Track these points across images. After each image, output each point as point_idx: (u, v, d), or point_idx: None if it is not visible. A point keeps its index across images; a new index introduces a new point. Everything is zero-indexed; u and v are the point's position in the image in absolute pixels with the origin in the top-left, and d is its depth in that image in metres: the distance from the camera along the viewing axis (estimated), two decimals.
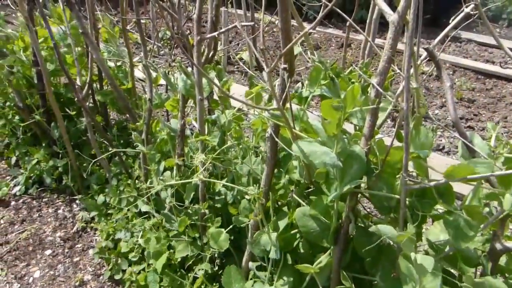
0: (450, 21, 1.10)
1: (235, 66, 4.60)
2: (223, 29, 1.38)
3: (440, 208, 1.12)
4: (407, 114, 0.94)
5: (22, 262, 2.09)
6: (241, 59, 4.59)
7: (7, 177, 2.71)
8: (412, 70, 1.09)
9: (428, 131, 1.12)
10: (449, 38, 1.36)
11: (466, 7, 1.17)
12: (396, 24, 0.96)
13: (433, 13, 5.22)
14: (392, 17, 0.96)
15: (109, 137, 2.20)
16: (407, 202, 1.06)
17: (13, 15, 2.77)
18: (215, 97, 1.85)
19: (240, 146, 1.64)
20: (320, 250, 1.32)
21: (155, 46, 3.88)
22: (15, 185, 2.60)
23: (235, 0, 4.32)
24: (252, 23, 1.50)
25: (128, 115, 2.31)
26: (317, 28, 5.22)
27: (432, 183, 0.97)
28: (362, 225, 1.29)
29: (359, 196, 1.18)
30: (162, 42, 4.86)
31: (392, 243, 1.28)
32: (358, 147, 1.07)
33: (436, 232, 1.16)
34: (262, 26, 0.99)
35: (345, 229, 1.15)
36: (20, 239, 2.23)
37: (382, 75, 0.98)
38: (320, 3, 1.66)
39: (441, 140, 3.20)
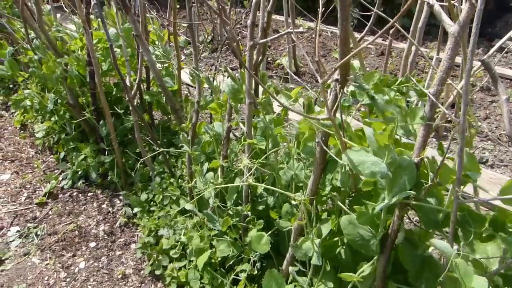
0: None
1: (273, 71, 4.63)
2: (275, 35, 1.41)
3: None
4: (463, 127, 0.93)
5: (68, 253, 2.20)
6: (280, 64, 4.63)
7: (56, 171, 2.85)
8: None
9: (472, 157, 1.10)
10: (505, 50, 1.33)
11: None
12: (456, 35, 0.95)
13: None
14: (452, 28, 0.96)
15: (154, 136, 2.27)
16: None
17: (70, 16, 2.91)
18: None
19: (283, 152, 1.67)
20: (362, 258, 1.32)
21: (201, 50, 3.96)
22: (63, 179, 2.74)
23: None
24: (305, 29, 1.52)
25: (173, 116, 2.38)
26: (356, 36, 5.19)
27: (487, 199, 0.96)
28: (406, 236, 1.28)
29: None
30: (202, 46, 4.95)
31: (434, 256, 1.27)
32: (409, 158, 1.07)
33: (484, 248, 1.15)
34: (317, 38, 1.01)
35: (392, 238, 1.15)
36: (67, 230, 2.34)
37: (440, 86, 0.98)
38: (365, 12, 1.66)
39: (485, 153, 3.11)
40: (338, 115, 1.20)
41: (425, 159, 1.11)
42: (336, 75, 1.10)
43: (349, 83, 1.23)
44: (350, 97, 1.48)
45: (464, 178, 1.08)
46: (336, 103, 1.14)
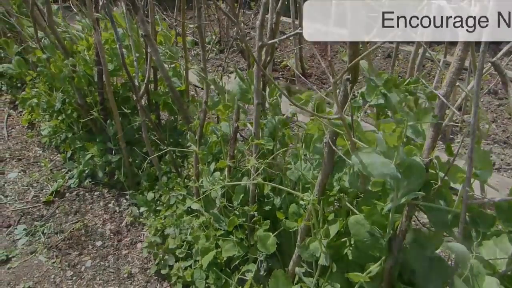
0: None
1: (280, 73, 4.63)
2: (284, 36, 1.42)
3: None
4: (474, 129, 0.93)
5: (75, 251, 2.21)
6: (286, 65, 4.63)
7: (62, 170, 2.86)
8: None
9: (488, 155, 1.09)
10: None
11: None
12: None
13: None
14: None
15: (162, 136, 2.28)
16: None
17: (76, 16, 2.94)
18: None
19: (290, 152, 1.67)
20: (370, 259, 1.32)
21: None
22: (69, 178, 2.75)
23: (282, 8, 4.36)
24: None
25: (180, 116, 2.39)
26: None
27: (496, 199, 0.96)
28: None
29: None
30: (210, 47, 4.97)
31: (443, 256, 1.26)
32: (418, 159, 1.07)
33: (492, 249, 1.14)
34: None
35: (400, 238, 1.15)
36: (73, 229, 2.35)
37: (450, 87, 0.98)
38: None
39: (491, 156, 3.10)
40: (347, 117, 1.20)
41: (434, 160, 1.11)
42: (346, 75, 1.10)
43: (360, 85, 1.24)
44: (360, 98, 1.49)
45: (473, 177, 1.07)
46: (347, 103, 1.14)
